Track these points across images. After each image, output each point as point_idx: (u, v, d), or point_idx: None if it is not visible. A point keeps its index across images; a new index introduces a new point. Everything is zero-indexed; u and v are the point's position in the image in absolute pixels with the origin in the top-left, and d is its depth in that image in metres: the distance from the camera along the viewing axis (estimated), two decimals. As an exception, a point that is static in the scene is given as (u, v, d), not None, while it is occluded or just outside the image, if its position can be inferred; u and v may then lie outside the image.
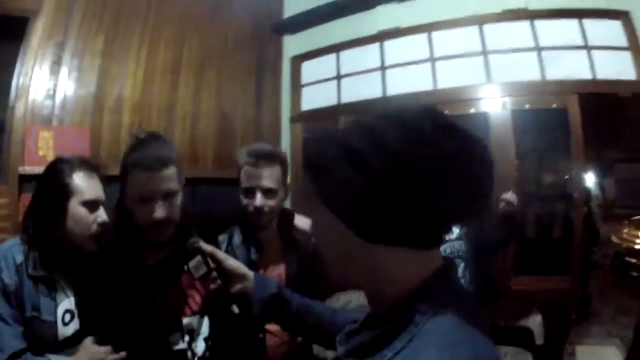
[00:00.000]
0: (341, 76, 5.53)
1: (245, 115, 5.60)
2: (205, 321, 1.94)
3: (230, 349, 2.03)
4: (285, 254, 2.42)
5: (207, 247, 1.58)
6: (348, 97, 5.45)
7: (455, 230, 3.50)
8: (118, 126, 4.66)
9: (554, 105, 4.43)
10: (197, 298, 1.93)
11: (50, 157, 3.94)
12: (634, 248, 5.01)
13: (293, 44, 5.95)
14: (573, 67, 4.42)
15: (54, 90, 4.37)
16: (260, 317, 1.53)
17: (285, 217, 2.45)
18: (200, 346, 1.92)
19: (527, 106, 4.52)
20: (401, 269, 0.88)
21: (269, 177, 2.27)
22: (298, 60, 5.84)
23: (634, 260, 4.67)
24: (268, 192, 2.26)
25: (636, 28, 4.36)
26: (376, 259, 0.88)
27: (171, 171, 1.76)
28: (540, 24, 4.60)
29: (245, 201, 2.29)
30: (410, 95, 4.94)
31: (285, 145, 5.71)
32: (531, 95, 4.52)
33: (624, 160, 4.52)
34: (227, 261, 1.58)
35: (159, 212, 1.73)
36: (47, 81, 4.33)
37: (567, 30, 4.53)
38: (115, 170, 3.61)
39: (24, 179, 4.11)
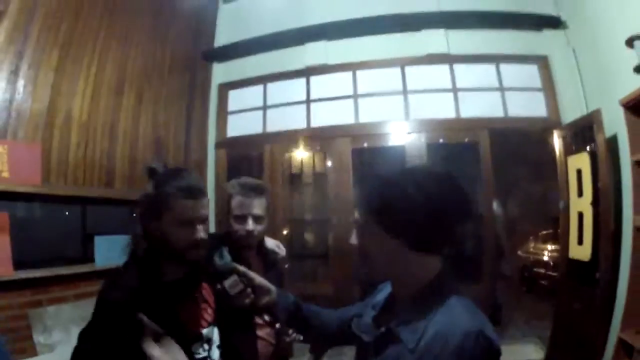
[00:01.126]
0: (268, 106, 5.86)
1: (176, 139, 5.86)
2: (216, 330, 2.15)
3: (236, 354, 2.29)
4: (265, 270, 2.73)
5: (241, 268, 1.92)
6: (273, 126, 5.79)
7: None
8: (66, 145, 4.73)
9: (466, 140, 5.03)
10: (210, 310, 2.13)
11: (5, 174, 4.09)
12: (542, 260, 5.67)
13: (222, 72, 6.26)
14: (486, 106, 5.12)
15: (10, 102, 4.28)
16: (285, 322, 1.95)
17: (261, 239, 2.81)
18: (215, 353, 2.13)
19: (441, 140, 5.07)
20: (423, 267, 1.39)
21: (258, 206, 2.63)
22: (225, 88, 6.13)
23: (542, 271, 5.29)
24: (258, 219, 2.62)
25: (552, 71, 5.18)
26: (406, 259, 1.38)
27: (207, 200, 1.99)
28: (459, 67, 5.24)
29: (236, 226, 2.61)
30: (333, 128, 5.46)
31: (210, 169, 6.01)
32: (445, 131, 5.08)
33: (520, 184, 5.21)
34: (257, 279, 1.92)
35: (201, 234, 1.93)
36: (4, 92, 4.21)
37: (484, 73, 5.22)
38: (64, 191, 4.22)
39: None
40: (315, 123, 5.69)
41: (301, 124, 5.74)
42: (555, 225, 5.21)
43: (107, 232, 4.69)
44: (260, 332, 2.63)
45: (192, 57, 6.16)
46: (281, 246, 3.10)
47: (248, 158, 6.09)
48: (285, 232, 6.02)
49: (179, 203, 1.89)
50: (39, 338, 4.25)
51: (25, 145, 4.35)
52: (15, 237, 4.24)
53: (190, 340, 1.97)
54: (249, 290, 1.90)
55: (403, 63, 5.45)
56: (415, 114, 5.30)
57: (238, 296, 1.90)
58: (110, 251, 4.67)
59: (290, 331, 2.52)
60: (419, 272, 1.41)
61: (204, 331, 2.07)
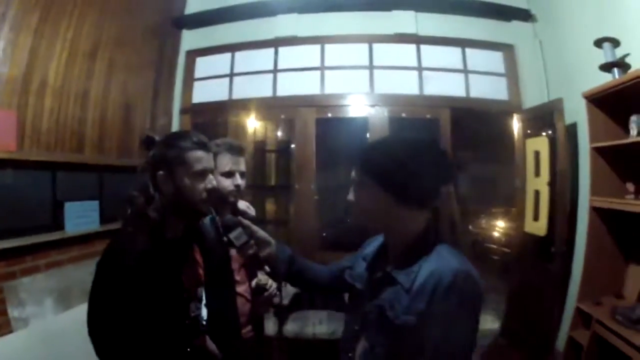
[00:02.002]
0: (234, 74, 6.07)
1: (143, 105, 6.03)
2: (203, 289, 2.36)
3: (219, 311, 2.52)
4: None
5: (245, 221, 2.12)
6: (239, 94, 6.02)
7: None
8: (40, 111, 4.65)
9: (428, 116, 5.40)
10: (200, 270, 2.33)
11: None
12: (493, 236, 5.99)
13: (190, 39, 6.45)
14: (450, 86, 5.54)
15: None
16: (283, 274, 2.16)
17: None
18: (204, 311, 2.37)
19: (403, 115, 5.39)
20: (414, 220, 1.66)
21: (243, 163, 2.88)
22: (193, 55, 6.29)
23: (494, 246, 5.65)
24: (243, 175, 2.87)
25: (517, 59, 5.66)
26: (400, 214, 1.64)
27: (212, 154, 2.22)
28: (426, 48, 5.62)
29: (225, 182, 2.78)
30: (298, 97, 5.75)
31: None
32: (407, 106, 5.44)
33: (476, 161, 5.53)
34: (259, 232, 2.12)
35: (214, 182, 2.15)
36: None
37: (449, 55, 5.64)
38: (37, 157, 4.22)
39: None
40: (281, 92, 5.92)
41: (267, 93, 5.95)
42: (509, 203, 5.55)
43: (77, 199, 4.72)
44: (238, 289, 2.83)
45: (163, 25, 6.31)
46: (251, 207, 3.25)
47: (213, 124, 6.24)
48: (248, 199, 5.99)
49: (194, 155, 2.07)
50: (13, 312, 4.06)
51: (1, 111, 4.20)
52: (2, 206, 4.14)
53: (188, 298, 2.18)
54: (252, 241, 2.11)
55: (371, 40, 5.75)
56: (380, 89, 5.60)
57: (243, 247, 2.11)
58: (80, 217, 4.72)
59: (269, 285, 2.87)
60: (411, 225, 1.67)
61: (198, 290, 2.29)
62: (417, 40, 5.68)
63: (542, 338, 4.50)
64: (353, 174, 1.78)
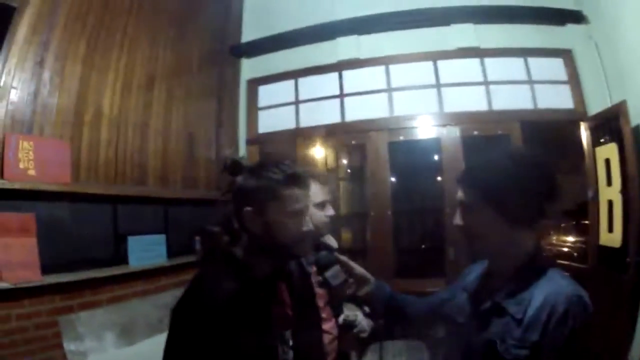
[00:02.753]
0: (300, 101, 6.25)
1: (207, 136, 6.16)
2: (290, 332, 2.18)
3: (307, 352, 2.33)
4: None
5: (342, 258, 2.07)
6: (306, 122, 6.21)
7: None
8: (97, 141, 4.77)
9: (499, 132, 5.52)
10: (289, 311, 2.22)
11: (32, 172, 4.03)
12: (564, 251, 6.08)
13: (250, 68, 6.66)
14: (516, 99, 5.61)
15: (35, 95, 4.21)
16: (382, 312, 2.12)
17: None
18: (290, 355, 2.18)
19: (475, 132, 5.51)
20: (524, 241, 1.67)
21: (330, 193, 2.90)
22: (254, 83, 6.50)
23: (566, 262, 5.72)
24: (332, 205, 2.90)
25: (576, 64, 5.66)
26: (513, 235, 1.66)
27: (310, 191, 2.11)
28: (489, 61, 5.69)
29: (318, 214, 2.76)
30: (368, 122, 5.88)
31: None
32: (479, 123, 5.53)
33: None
34: (357, 269, 2.09)
35: (310, 225, 2.04)
36: (29, 84, 4.16)
37: (513, 66, 5.70)
38: (95, 189, 4.34)
39: (2, 194, 3.87)
40: (350, 117, 6.10)
41: (335, 119, 6.14)
42: (577, 216, 5.61)
43: (140, 232, 4.74)
44: (325, 326, 2.75)
45: (220, 53, 6.47)
46: (332, 238, 3.14)
47: (281, 154, 6.17)
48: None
49: (289, 192, 1.93)
50: (70, 346, 4.12)
51: (54, 142, 4.31)
52: (44, 239, 4.16)
53: (276, 342, 2.06)
54: (350, 280, 2.06)
55: (435, 57, 5.85)
56: (449, 107, 5.74)
57: (340, 287, 2.05)
58: (145, 251, 4.71)
59: (358, 321, 2.73)
60: (522, 247, 1.66)
61: (286, 332, 2.16)
62: (480, 53, 5.80)
63: (615, 351, 4.63)
64: (460, 195, 1.78)
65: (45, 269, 4.13)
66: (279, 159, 2.07)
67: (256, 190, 1.95)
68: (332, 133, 6.10)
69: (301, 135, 6.23)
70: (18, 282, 3.87)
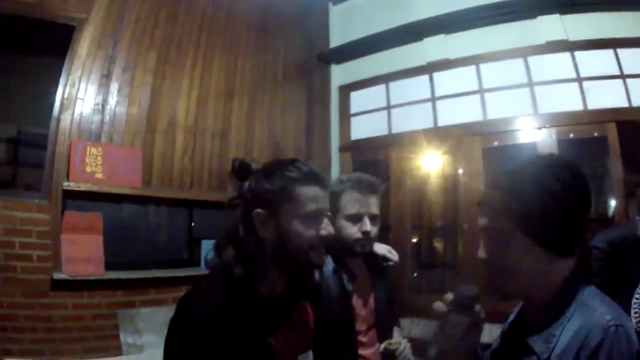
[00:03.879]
0: (391, 106, 7.11)
1: (296, 144, 7.08)
2: (311, 354, 2.27)
3: None
4: (372, 280, 3.06)
5: (482, 315, 1.81)
6: (398, 127, 7.03)
7: None
8: (171, 149, 5.96)
9: (595, 134, 5.87)
10: (308, 333, 2.26)
11: (99, 175, 5.32)
12: None
13: (340, 74, 7.62)
14: (610, 96, 5.88)
15: (103, 105, 5.42)
16: None
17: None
18: None
19: (571, 135, 5.95)
20: (559, 270, 1.60)
21: (375, 204, 2.88)
22: (346, 89, 7.50)
23: None
24: (374, 219, 2.87)
25: None
26: (548, 265, 1.58)
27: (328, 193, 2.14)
28: (579, 54, 6.14)
29: (350, 228, 2.82)
30: (460, 126, 6.57)
31: (335, 174, 7.11)
32: (575, 125, 5.97)
33: None
34: (478, 337, 1.86)
35: (330, 228, 2.04)
36: (96, 95, 5.38)
37: (603, 60, 6.01)
38: (166, 193, 5.74)
39: (68, 195, 5.12)
40: (442, 122, 6.81)
41: (428, 124, 6.88)
42: None
43: (215, 237, 5.51)
44: (364, 352, 2.85)
45: (307, 61, 7.47)
46: (393, 251, 3.27)
47: (374, 161, 7.33)
48: (414, 240, 7.07)
49: (305, 191, 1.99)
50: (127, 338, 5.14)
51: (124, 149, 5.58)
52: (120, 238, 5.44)
53: None
54: (461, 345, 1.81)
55: (524, 53, 6.40)
56: (544, 108, 6.16)
57: (448, 337, 1.83)
58: None
59: (400, 350, 2.85)
60: (555, 276, 1.59)
61: (300, 357, 2.20)
62: (569, 46, 6.17)
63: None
64: (483, 222, 1.70)
65: (117, 267, 5.38)
66: (294, 158, 2.14)
67: (270, 190, 2.01)
68: (424, 139, 6.81)
69: (393, 142, 7.13)
70: (77, 274, 5.08)
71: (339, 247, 2.80)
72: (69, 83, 5.23)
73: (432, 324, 3.40)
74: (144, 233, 5.82)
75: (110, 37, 5.57)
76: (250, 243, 2.00)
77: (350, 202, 2.83)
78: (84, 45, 5.36)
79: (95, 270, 5.18)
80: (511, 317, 1.90)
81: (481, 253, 1.70)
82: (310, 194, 1.98)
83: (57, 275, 4.96)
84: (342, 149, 7.52)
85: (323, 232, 1.99)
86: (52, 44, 5.45)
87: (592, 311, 1.49)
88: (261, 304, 1.98)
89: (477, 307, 1.78)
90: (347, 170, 7.20)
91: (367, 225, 2.80)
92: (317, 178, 2.02)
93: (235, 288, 1.93)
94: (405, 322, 5.59)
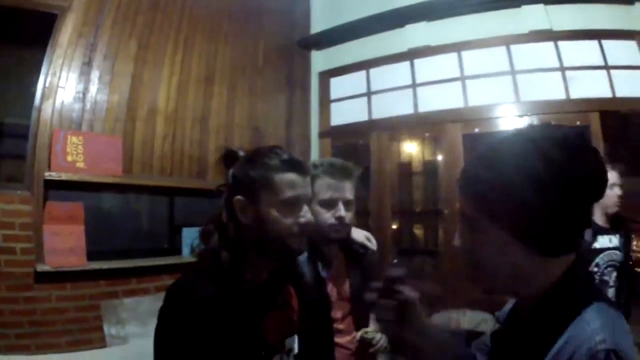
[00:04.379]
0: (372, 92, 7.28)
1: (276, 130, 7.24)
2: (297, 339, 2.31)
3: None
4: (348, 268, 3.08)
5: (412, 296, 1.74)
6: (379, 113, 7.26)
7: (614, 240, 4.53)
8: (151, 136, 6.07)
9: (578, 123, 6.03)
10: (295, 317, 2.33)
11: (80, 164, 5.37)
12: None
13: (320, 60, 7.79)
14: (594, 86, 6.07)
15: (84, 94, 5.50)
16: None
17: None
18: None
19: (552, 123, 5.93)
20: (551, 271, 1.37)
21: (349, 189, 2.88)
22: (326, 75, 7.68)
23: None
24: (348, 204, 2.86)
25: None
26: (538, 266, 1.36)
27: (309, 179, 2.19)
28: (563, 44, 6.31)
29: (324, 213, 2.82)
30: (441, 113, 6.69)
31: (314, 160, 7.13)
32: (556, 114, 6.13)
33: (629, 175, 5.29)
34: (420, 318, 1.77)
35: (309, 215, 2.09)
36: (77, 83, 5.46)
37: (587, 50, 6.21)
38: (147, 181, 5.85)
39: (50, 185, 5.16)
40: (423, 108, 6.96)
41: (408, 110, 7.04)
42: None
43: (197, 224, 5.57)
44: (340, 340, 2.88)
45: (287, 47, 7.62)
46: (372, 239, 3.28)
47: (354, 147, 7.58)
48: (394, 227, 7.21)
49: (283, 178, 2.04)
50: (110, 330, 5.18)
51: (105, 137, 5.66)
52: (97, 228, 5.45)
53: (270, 351, 2.15)
54: (398, 327, 1.76)
55: (507, 42, 6.54)
56: (525, 96, 6.33)
57: (382, 322, 1.93)
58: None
59: (376, 340, 2.89)
60: (542, 278, 1.38)
61: (287, 341, 2.26)
62: (553, 36, 6.33)
63: None
64: (461, 205, 1.51)
65: (98, 257, 5.42)
66: (275, 146, 2.20)
67: (248, 177, 2.08)
68: (404, 125, 7.08)
69: (373, 127, 7.30)
70: (60, 266, 5.13)
71: (314, 234, 2.71)
72: (50, 72, 5.31)
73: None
74: (125, 222, 5.88)
75: (92, 24, 5.64)
76: (232, 229, 2.09)
77: (324, 188, 2.85)
78: (65, 33, 5.43)
79: (78, 261, 5.23)
80: (505, 309, 1.76)
81: (457, 241, 1.55)
82: (289, 181, 2.04)
83: (41, 268, 5.00)
84: (322, 135, 7.71)
85: (302, 220, 2.06)
86: (33, 34, 5.51)
87: (584, 326, 1.26)
88: (248, 289, 2.05)
89: (404, 288, 1.71)
90: (326, 156, 7.31)
91: (342, 210, 2.83)
92: (296, 165, 2.08)
93: (222, 274, 2.00)
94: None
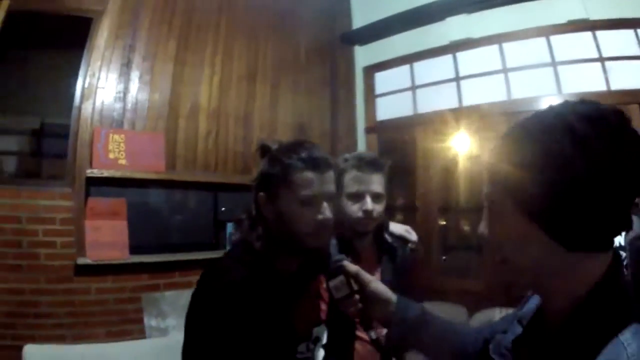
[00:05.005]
0: (416, 87, 7.51)
1: (321, 126, 7.52)
2: (325, 329, 2.41)
3: (340, 356, 2.60)
4: (380, 262, 3.10)
5: (352, 268, 1.97)
6: (424, 107, 7.53)
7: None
8: (194, 133, 6.45)
9: None
10: (324, 306, 2.44)
11: (122, 161, 5.76)
12: None
13: (363, 55, 8.04)
14: (633, 77, 5.99)
15: (124, 93, 5.93)
16: (399, 341, 1.92)
17: (380, 224, 3.11)
18: (320, 353, 2.40)
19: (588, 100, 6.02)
20: (585, 272, 1.22)
21: (377, 182, 2.92)
22: (371, 70, 7.91)
23: None
24: (377, 197, 2.91)
25: None
26: (569, 264, 1.22)
27: (332, 175, 2.21)
28: (601, 34, 6.27)
29: (351, 206, 2.89)
30: (485, 106, 6.87)
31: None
32: None
33: None
34: (372, 284, 1.95)
35: (327, 213, 2.13)
36: (117, 83, 5.89)
37: (625, 40, 6.15)
38: (191, 177, 6.34)
39: (91, 182, 5.58)
40: (467, 102, 7.14)
41: (453, 103, 7.22)
42: None
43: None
44: (363, 334, 2.83)
45: (329, 43, 7.87)
46: (412, 231, 3.31)
47: (400, 142, 7.83)
48: (442, 223, 7.39)
49: (301, 176, 2.10)
50: (150, 322, 5.48)
51: (147, 134, 6.06)
52: (146, 223, 5.92)
53: (297, 339, 2.25)
54: (356, 297, 1.96)
55: (547, 32, 6.57)
56: (567, 88, 6.33)
57: (342, 301, 1.99)
58: None
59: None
60: (570, 275, 1.25)
61: (315, 330, 2.35)
62: (591, 26, 6.28)
63: None
64: (486, 189, 1.40)
65: (142, 251, 5.84)
66: (301, 141, 2.27)
67: (269, 174, 2.17)
68: (449, 119, 7.11)
69: (419, 122, 7.53)
70: (99, 259, 5.53)
71: (344, 227, 2.91)
72: (88, 73, 5.70)
73: (458, 307, 4.44)
74: (169, 217, 6.27)
75: (129, 27, 6.05)
76: (258, 222, 2.21)
77: (351, 181, 2.91)
78: (101, 36, 5.82)
79: (119, 254, 5.61)
80: (527, 310, 1.55)
81: (482, 228, 1.41)
82: (306, 180, 2.10)
83: (81, 261, 5.40)
84: (368, 131, 7.98)
85: (319, 217, 2.11)
86: (69, 38, 5.93)
87: (619, 350, 1.10)
88: (279, 277, 2.16)
89: (345, 264, 1.96)
90: (373, 151, 7.51)
91: (368, 204, 2.87)
92: (315, 163, 2.12)
93: (254, 260, 2.12)
94: (431, 306, 5.92)
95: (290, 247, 2.19)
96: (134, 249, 5.81)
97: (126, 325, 5.59)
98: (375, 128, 7.93)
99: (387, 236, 3.17)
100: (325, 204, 2.13)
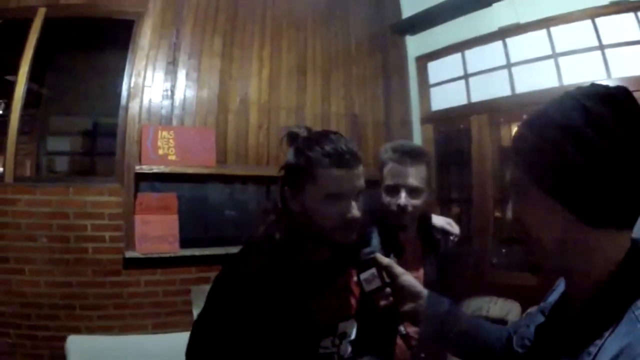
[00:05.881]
0: (469, 75, 7.85)
1: (375, 116, 7.84)
2: (354, 324, 2.42)
3: (370, 351, 2.60)
4: (424, 255, 3.15)
5: (384, 260, 2.02)
6: (477, 96, 7.71)
7: None
8: (245, 128, 6.87)
9: None
10: (353, 301, 2.43)
11: (172, 157, 6.21)
12: None
13: (415, 44, 8.33)
14: None
15: (172, 90, 6.37)
16: (429, 337, 1.99)
17: (424, 217, 3.16)
18: (347, 349, 2.38)
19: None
20: (607, 251, 1.32)
21: (415, 175, 2.91)
22: (423, 60, 8.20)
23: None
24: (413, 191, 2.92)
25: None
26: (591, 241, 1.31)
27: (361, 169, 2.20)
28: None
29: (387, 199, 2.96)
30: (538, 93, 6.79)
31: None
32: None
33: None
34: (403, 276, 2.00)
35: (354, 211, 2.13)
36: (164, 82, 6.35)
37: None
38: (242, 171, 6.88)
39: (140, 177, 6.05)
40: (519, 89, 7.19)
41: (505, 91, 7.31)
42: None
43: None
44: (409, 329, 2.84)
45: (380, 34, 8.16)
46: (453, 224, 3.35)
47: (456, 132, 8.02)
48: (498, 215, 7.34)
49: (326, 172, 2.09)
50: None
51: (196, 130, 6.51)
52: (200, 217, 6.45)
53: (320, 333, 2.27)
54: (387, 290, 2.00)
55: (592, 15, 6.46)
56: (616, 73, 6.19)
57: (374, 294, 2.02)
58: None
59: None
60: (607, 253, 1.32)
61: (341, 324, 2.35)
62: (633, 6, 6.12)
63: None
64: (509, 175, 1.51)
65: (194, 244, 6.30)
66: (327, 132, 2.27)
67: (294, 169, 2.20)
68: (502, 107, 7.30)
69: (472, 111, 7.69)
70: (150, 252, 6.00)
71: (387, 219, 2.99)
72: (134, 73, 6.23)
73: (511, 302, 4.60)
74: (220, 211, 6.72)
75: (171, 26, 6.52)
76: (283, 214, 2.26)
77: (389, 174, 2.97)
78: (145, 36, 6.34)
79: (169, 248, 6.08)
80: (551, 300, 1.69)
81: (509, 213, 1.50)
82: (332, 177, 2.10)
83: (130, 254, 5.91)
84: (424, 121, 8.24)
85: (348, 215, 2.13)
86: (112, 40, 6.51)
87: (632, 321, 1.18)
88: (302, 267, 2.19)
89: (377, 256, 2.02)
90: (428, 142, 7.96)
91: (402, 198, 2.89)
92: (341, 159, 2.10)
93: (271, 250, 2.15)
94: (483, 301, 6.33)
95: (317, 241, 2.25)
96: (185, 243, 6.27)
97: (174, 317, 6.04)
98: (431, 118, 8.13)
99: (432, 229, 3.25)
100: (352, 202, 2.15)
